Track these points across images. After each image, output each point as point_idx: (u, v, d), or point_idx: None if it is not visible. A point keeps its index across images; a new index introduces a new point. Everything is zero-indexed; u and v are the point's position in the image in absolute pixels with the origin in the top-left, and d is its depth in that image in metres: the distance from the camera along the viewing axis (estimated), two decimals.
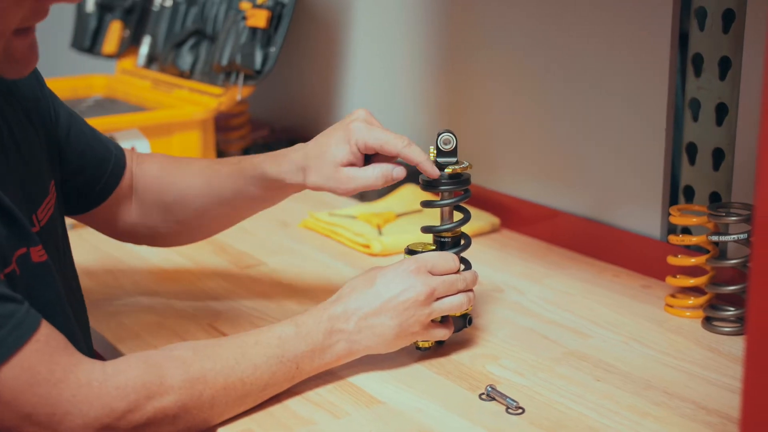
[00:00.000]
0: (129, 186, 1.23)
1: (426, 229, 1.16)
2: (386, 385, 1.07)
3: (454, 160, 1.13)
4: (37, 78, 1.10)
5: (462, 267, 1.13)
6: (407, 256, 1.13)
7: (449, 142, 1.12)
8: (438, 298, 1.09)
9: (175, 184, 1.23)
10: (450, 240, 1.15)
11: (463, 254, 1.15)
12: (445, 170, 1.12)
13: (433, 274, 1.09)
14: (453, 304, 1.10)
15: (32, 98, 1.07)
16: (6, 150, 0.97)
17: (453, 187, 1.13)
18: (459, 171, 1.13)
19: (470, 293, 1.12)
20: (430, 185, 1.13)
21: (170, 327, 1.23)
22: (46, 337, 0.86)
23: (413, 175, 1.78)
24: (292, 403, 1.03)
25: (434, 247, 1.15)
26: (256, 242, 1.58)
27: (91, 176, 1.18)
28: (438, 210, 1.16)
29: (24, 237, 0.92)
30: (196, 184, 1.22)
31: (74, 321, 1.02)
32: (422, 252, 1.13)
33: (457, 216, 1.15)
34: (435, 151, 1.13)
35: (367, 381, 1.08)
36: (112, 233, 1.26)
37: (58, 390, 0.86)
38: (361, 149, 1.12)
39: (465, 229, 1.17)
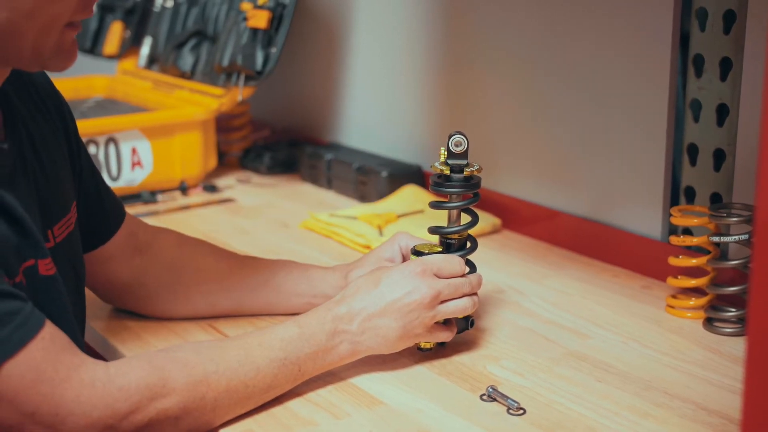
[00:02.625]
0: (128, 244, 1.21)
1: (433, 230, 1.16)
2: (387, 386, 1.07)
3: (464, 162, 1.13)
4: (67, 109, 1.11)
5: (467, 270, 1.13)
6: (414, 257, 1.13)
7: (460, 144, 1.12)
8: (443, 301, 1.09)
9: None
10: (456, 242, 1.15)
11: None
12: (455, 172, 1.12)
13: (439, 277, 1.09)
14: (458, 308, 1.10)
15: (62, 122, 1.08)
16: (27, 162, 0.97)
17: (462, 190, 1.13)
18: (476, 173, 1.13)
19: (475, 297, 1.12)
20: (439, 186, 1.13)
21: (171, 328, 1.23)
22: (51, 335, 0.86)
23: (414, 175, 1.79)
24: (292, 404, 1.03)
25: (441, 249, 1.15)
26: (256, 243, 1.58)
27: (87, 221, 1.15)
28: (444, 211, 1.16)
29: (33, 248, 0.92)
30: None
31: (82, 338, 1.01)
32: (429, 254, 1.13)
33: (465, 219, 1.15)
34: (446, 153, 1.13)
35: (367, 382, 1.08)
36: (90, 286, 1.22)
37: (62, 389, 0.86)
38: (403, 249, 1.21)
39: None
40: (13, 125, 0.97)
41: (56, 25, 0.88)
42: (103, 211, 1.17)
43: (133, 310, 1.26)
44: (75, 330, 0.99)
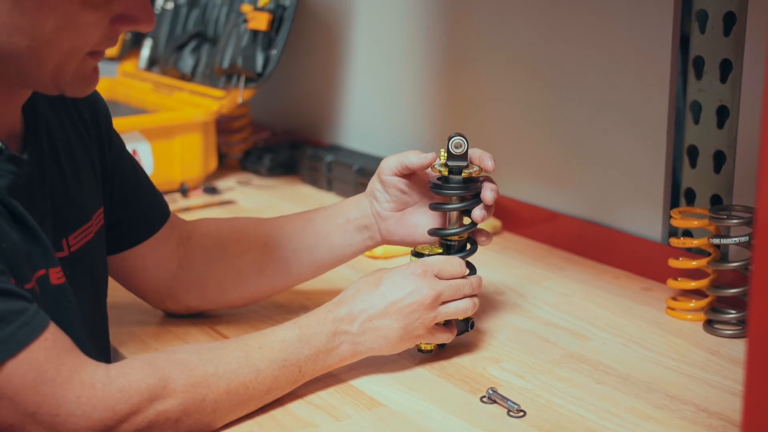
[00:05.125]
0: (171, 236, 1.21)
1: (433, 232, 1.16)
2: (387, 388, 1.07)
3: (464, 163, 1.13)
4: (104, 111, 1.12)
5: (467, 271, 1.13)
6: (414, 258, 1.13)
7: (460, 146, 1.12)
8: (444, 302, 1.09)
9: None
10: (456, 243, 1.15)
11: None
12: (455, 174, 1.12)
13: (440, 279, 1.09)
14: (458, 309, 1.10)
15: (94, 127, 1.09)
16: (46, 171, 0.98)
17: (462, 192, 1.13)
18: (475, 175, 1.13)
19: (475, 298, 1.12)
20: (439, 188, 1.13)
21: (172, 330, 1.23)
22: (54, 336, 0.87)
23: None
24: (293, 406, 1.03)
25: (441, 251, 1.15)
26: None
27: (130, 217, 1.17)
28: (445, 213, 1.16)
29: (44, 257, 0.93)
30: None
31: (91, 348, 1.01)
32: (429, 255, 1.13)
33: (465, 220, 1.15)
34: (446, 155, 1.13)
35: (368, 383, 1.08)
36: (137, 284, 1.22)
37: (63, 390, 0.86)
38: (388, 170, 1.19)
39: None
40: (36, 135, 0.98)
41: (77, 54, 0.89)
42: (143, 207, 1.18)
43: (183, 307, 1.25)
44: (84, 339, 0.99)
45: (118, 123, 1.79)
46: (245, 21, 1.88)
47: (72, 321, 0.96)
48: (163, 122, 1.84)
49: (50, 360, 0.85)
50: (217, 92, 1.91)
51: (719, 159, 1.33)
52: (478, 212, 1.13)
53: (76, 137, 1.05)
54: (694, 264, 1.25)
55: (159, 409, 0.91)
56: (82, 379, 0.87)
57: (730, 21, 1.28)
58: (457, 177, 1.13)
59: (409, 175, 1.18)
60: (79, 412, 0.86)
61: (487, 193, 1.13)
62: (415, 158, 1.15)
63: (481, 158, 1.13)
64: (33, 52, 0.87)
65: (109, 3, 0.88)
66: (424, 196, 1.19)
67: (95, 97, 1.11)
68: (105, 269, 1.11)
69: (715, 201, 1.34)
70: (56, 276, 0.94)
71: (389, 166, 1.18)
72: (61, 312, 0.94)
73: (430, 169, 1.15)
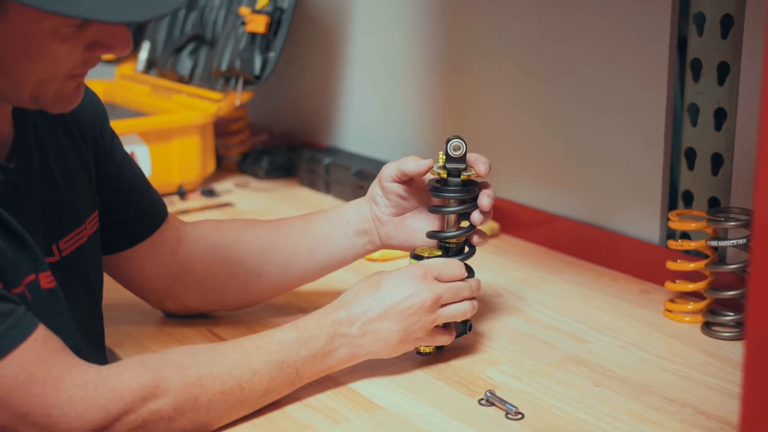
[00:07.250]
0: (171, 237, 1.21)
1: (432, 235, 1.16)
2: (386, 391, 1.07)
3: (462, 166, 1.13)
4: (99, 114, 1.12)
5: (466, 274, 1.13)
6: (413, 261, 1.13)
7: (459, 149, 1.12)
8: (443, 305, 1.09)
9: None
10: (455, 246, 1.15)
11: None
12: (453, 177, 1.12)
13: (440, 281, 1.09)
14: (458, 311, 1.10)
15: (89, 131, 1.09)
16: (34, 179, 0.98)
17: (461, 195, 1.13)
18: (473, 177, 1.13)
19: (474, 301, 1.12)
20: (437, 191, 1.13)
21: (169, 332, 1.23)
22: (44, 337, 0.87)
23: None
24: (290, 409, 1.03)
25: (440, 253, 1.15)
26: None
27: (128, 218, 1.17)
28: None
29: (33, 262, 0.93)
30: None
31: (87, 350, 1.01)
32: (429, 258, 1.13)
33: (464, 223, 1.15)
34: (444, 157, 1.13)
35: (366, 386, 1.08)
36: (137, 283, 1.22)
37: (55, 390, 0.86)
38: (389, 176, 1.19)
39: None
40: (24, 141, 0.98)
41: (54, 79, 0.90)
42: (141, 208, 1.18)
43: (183, 307, 1.25)
44: (79, 341, 0.99)
45: (116, 125, 1.78)
46: (243, 23, 1.88)
47: (65, 324, 0.96)
48: (161, 125, 1.84)
49: (41, 361, 0.86)
50: (215, 95, 1.91)
51: (717, 161, 1.33)
52: (476, 216, 1.13)
53: (68, 142, 1.05)
54: (692, 266, 1.25)
55: (152, 408, 0.91)
56: (74, 379, 0.87)
57: (727, 24, 1.28)
58: (455, 180, 1.13)
59: (409, 181, 1.18)
60: (72, 412, 0.87)
61: (484, 199, 1.13)
62: (412, 164, 1.15)
63: (476, 162, 1.13)
64: (8, 79, 0.88)
65: (80, 32, 0.87)
66: (424, 201, 1.19)
67: (90, 100, 1.11)
68: (100, 272, 1.11)
69: (713, 203, 1.35)
70: (46, 281, 0.94)
71: (389, 172, 1.18)
72: (53, 316, 0.94)
73: (428, 172, 1.15)
